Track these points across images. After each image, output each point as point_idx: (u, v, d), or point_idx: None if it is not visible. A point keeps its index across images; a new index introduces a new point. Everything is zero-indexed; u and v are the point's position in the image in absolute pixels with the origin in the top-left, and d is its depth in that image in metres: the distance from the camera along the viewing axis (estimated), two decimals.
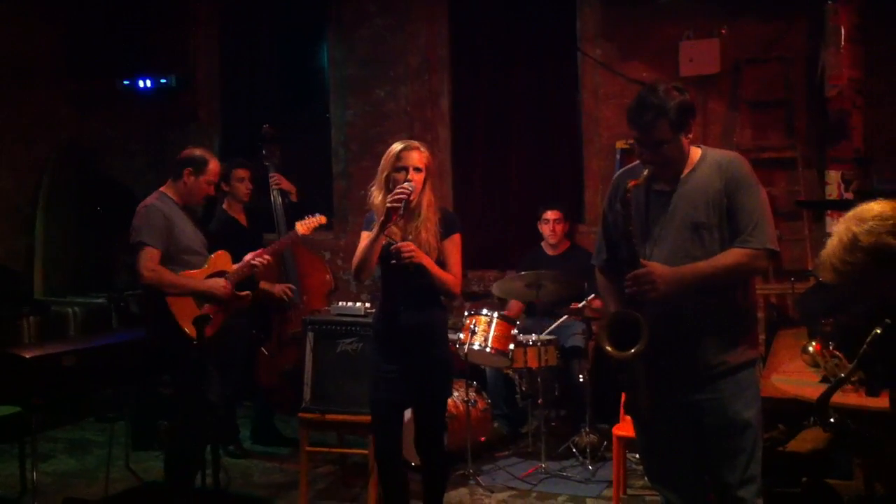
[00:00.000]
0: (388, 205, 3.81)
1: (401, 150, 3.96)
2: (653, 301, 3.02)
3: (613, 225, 3.29)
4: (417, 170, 3.93)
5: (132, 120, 8.45)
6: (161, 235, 4.54)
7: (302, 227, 5.28)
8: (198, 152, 4.81)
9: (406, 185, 3.85)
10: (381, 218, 3.84)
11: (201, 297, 4.60)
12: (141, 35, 8.29)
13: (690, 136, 3.16)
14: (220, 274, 4.72)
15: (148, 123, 8.42)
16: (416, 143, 4.02)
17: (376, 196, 3.97)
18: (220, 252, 4.80)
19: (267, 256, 4.89)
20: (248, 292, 4.86)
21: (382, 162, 4.00)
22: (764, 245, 3.07)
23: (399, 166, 3.93)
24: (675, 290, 3.03)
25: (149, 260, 4.50)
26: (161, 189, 4.77)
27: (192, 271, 4.63)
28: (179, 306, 4.52)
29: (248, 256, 4.85)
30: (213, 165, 4.78)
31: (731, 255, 3.06)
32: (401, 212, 3.82)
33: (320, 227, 5.40)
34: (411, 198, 3.87)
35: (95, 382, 5.68)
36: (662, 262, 3.08)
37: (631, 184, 3.11)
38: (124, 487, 5.40)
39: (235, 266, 4.82)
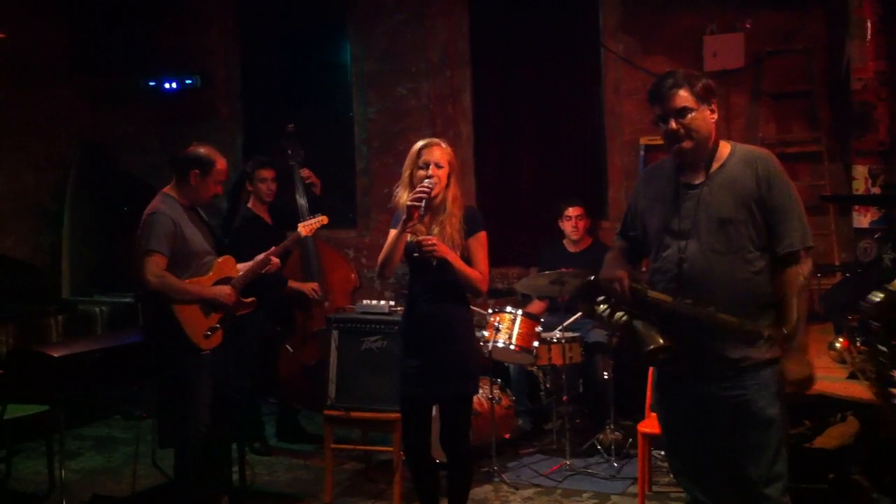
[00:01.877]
0: (409, 203, 3.85)
1: (422, 148, 4.00)
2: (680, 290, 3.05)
3: (640, 218, 3.36)
4: (438, 166, 3.95)
5: (153, 116, 8.48)
6: (168, 241, 4.41)
7: (304, 228, 5.29)
8: (202, 151, 4.62)
9: (426, 182, 3.88)
10: (405, 216, 3.87)
11: (208, 304, 4.50)
12: (161, 32, 8.33)
13: (715, 116, 3.17)
14: (226, 280, 4.62)
15: (168, 119, 8.45)
16: (437, 140, 4.06)
17: (401, 195, 4.01)
18: (225, 257, 4.69)
19: (275, 259, 4.84)
20: (252, 298, 4.75)
21: (406, 160, 4.03)
22: (806, 243, 3.10)
23: (421, 163, 3.96)
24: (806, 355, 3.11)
25: (154, 266, 4.37)
26: (164, 191, 4.62)
27: (198, 278, 4.52)
28: (187, 315, 4.43)
29: (259, 257, 4.79)
30: (220, 164, 4.62)
31: (798, 281, 3.09)
32: (422, 210, 3.84)
33: (322, 228, 5.44)
34: (432, 194, 3.89)
35: (122, 380, 5.73)
36: (690, 256, 3.10)
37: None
38: (151, 484, 5.44)
39: (241, 270, 4.74)
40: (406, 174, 4.02)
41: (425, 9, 7.56)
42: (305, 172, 6.17)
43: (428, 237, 3.90)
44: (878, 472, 2.99)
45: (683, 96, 3.10)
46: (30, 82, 7.71)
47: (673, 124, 3.12)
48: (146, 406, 6.17)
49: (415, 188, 3.92)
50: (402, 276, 4.26)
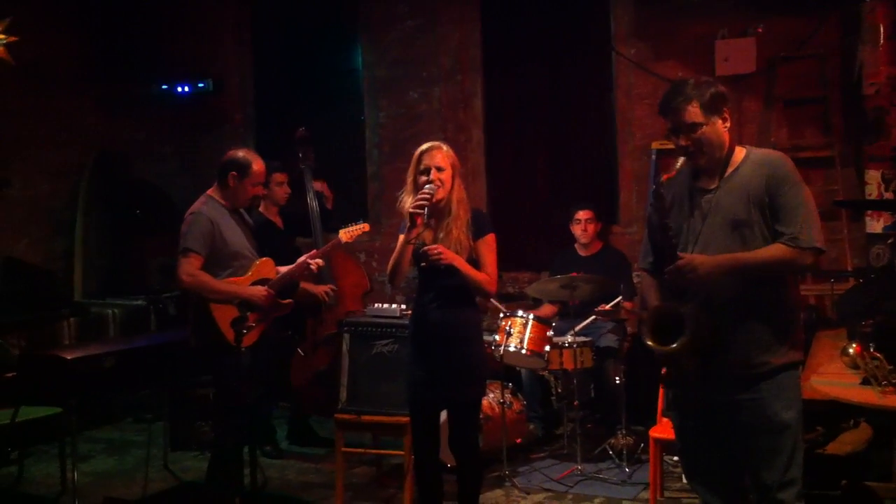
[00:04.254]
0: (411, 210, 3.85)
1: (422, 152, 3.99)
2: (695, 292, 3.02)
3: (654, 223, 3.32)
4: (440, 169, 3.94)
5: (165, 123, 8.53)
6: (205, 241, 4.53)
7: (346, 234, 5.28)
8: (241, 154, 4.77)
9: (427, 189, 3.88)
10: (409, 224, 3.88)
11: (243, 303, 4.55)
12: (175, 40, 8.38)
13: (727, 123, 3.17)
14: (264, 281, 4.70)
15: (181, 126, 8.50)
16: (438, 143, 4.04)
17: (405, 201, 4.00)
18: (264, 259, 4.79)
19: (319, 260, 4.92)
20: (289, 300, 4.84)
21: (410, 165, 4.03)
22: (812, 244, 3.06)
23: (422, 168, 3.96)
24: (714, 276, 3.04)
25: (188, 265, 4.49)
26: (208, 192, 4.77)
27: (236, 278, 4.63)
28: (222, 312, 4.50)
29: (301, 259, 4.86)
30: (258, 167, 4.76)
31: (775, 250, 3.06)
32: (425, 217, 3.84)
33: (363, 235, 5.42)
34: (436, 198, 3.89)
35: (134, 383, 5.75)
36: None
37: (664, 177, 3.14)
38: (163, 487, 5.47)
39: (282, 270, 4.82)
40: (410, 180, 4.02)
41: (437, 15, 7.57)
42: (318, 185, 6.18)
43: (433, 246, 3.89)
44: None
45: (693, 112, 3.10)
46: (46, 90, 7.74)
47: (684, 141, 3.14)
48: (159, 409, 6.21)
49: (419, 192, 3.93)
50: (412, 280, 4.26)
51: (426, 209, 3.83)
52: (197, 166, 8.25)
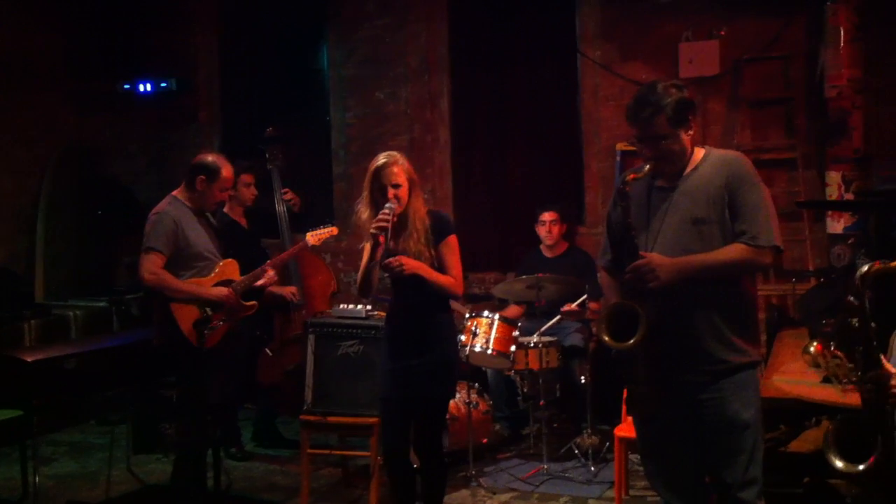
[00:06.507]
0: (372, 232, 3.87)
1: (379, 168, 3.97)
2: (654, 291, 3.04)
3: (615, 222, 3.32)
4: (396, 186, 3.95)
5: (133, 121, 8.45)
6: (168, 241, 4.55)
7: (313, 237, 5.30)
8: (210, 158, 4.77)
9: (386, 208, 3.89)
10: (372, 242, 3.91)
11: (205, 304, 4.58)
12: (141, 37, 8.31)
13: (691, 132, 3.20)
14: (227, 282, 4.72)
15: (148, 125, 8.42)
16: (394, 157, 4.02)
17: (363, 213, 4.03)
18: (228, 260, 4.80)
19: (270, 272, 4.94)
20: (254, 302, 4.85)
21: (366, 178, 4.03)
22: (770, 242, 3.10)
23: (379, 185, 3.96)
24: (675, 280, 3.05)
25: (151, 263, 4.52)
26: (174, 193, 4.77)
27: (199, 278, 4.63)
28: (182, 312, 4.52)
29: (256, 272, 4.88)
30: (227, 172, 4.76)
31: (735, 250, 3.09)
32: (388, 236, 3.86)
33: (331, 239, 5.42)
34: (394, 217, 3.89)
35: (97, 385, 5.70)
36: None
37: (630, 177, 3.16)
38: (126, 490, 5.41)
39: (244, 276, 4.83)
40: (366, 194, 4.02)
41: (405, 14, 7.56)
42: (288, 195, 6.16)
43: (393, 259, 3.91)
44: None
45: (660, 124, 3.11)
46: (15, 86, 7.64)
47: (649, 151, 3.16)
48: (122, 411, 6.14)
49: (377, 206, 3.94)
50: (383, 281, 4.27)
51: (388, 230, 3.84)
52: (163, 164, 8.19)
